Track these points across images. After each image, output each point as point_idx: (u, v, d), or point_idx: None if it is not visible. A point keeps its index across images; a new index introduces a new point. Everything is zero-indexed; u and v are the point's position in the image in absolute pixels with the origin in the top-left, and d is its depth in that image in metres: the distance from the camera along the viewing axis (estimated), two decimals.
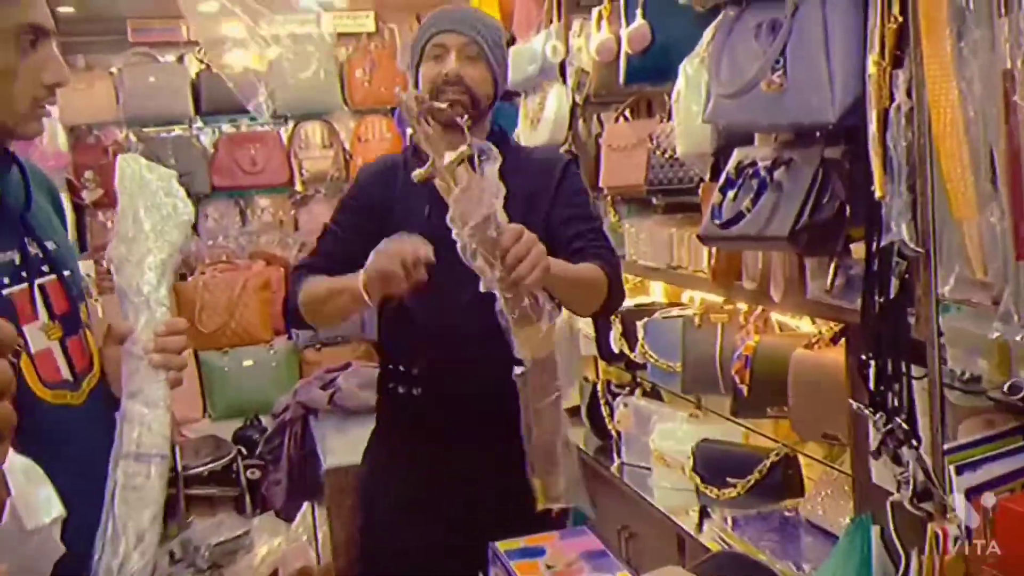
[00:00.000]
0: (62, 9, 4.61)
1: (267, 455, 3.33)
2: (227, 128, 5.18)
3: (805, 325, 2.46)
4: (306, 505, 3.40)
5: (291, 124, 5.13)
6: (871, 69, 1.58)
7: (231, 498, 4.09)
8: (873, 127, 1.55)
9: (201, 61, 5.00)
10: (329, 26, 5.13)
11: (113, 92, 4.80)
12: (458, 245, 1.52)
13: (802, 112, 1.70)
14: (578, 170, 2.09)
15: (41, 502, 0.86)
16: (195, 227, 4.97)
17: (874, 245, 1.64)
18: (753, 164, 1.88)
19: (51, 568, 0.88)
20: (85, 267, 4.42)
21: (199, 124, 5.12)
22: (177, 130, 5.07)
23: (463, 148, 1.55)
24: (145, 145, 4.89)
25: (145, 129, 5.00)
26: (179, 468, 3.65)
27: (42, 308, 1.17)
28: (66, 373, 1.15)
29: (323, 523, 3.13)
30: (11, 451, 0.77)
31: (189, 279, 4.54)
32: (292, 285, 1.98)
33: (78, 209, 4.78)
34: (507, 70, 2.04)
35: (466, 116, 1.76)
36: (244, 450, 4.14)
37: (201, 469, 3.86)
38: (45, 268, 1.21)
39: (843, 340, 2.00)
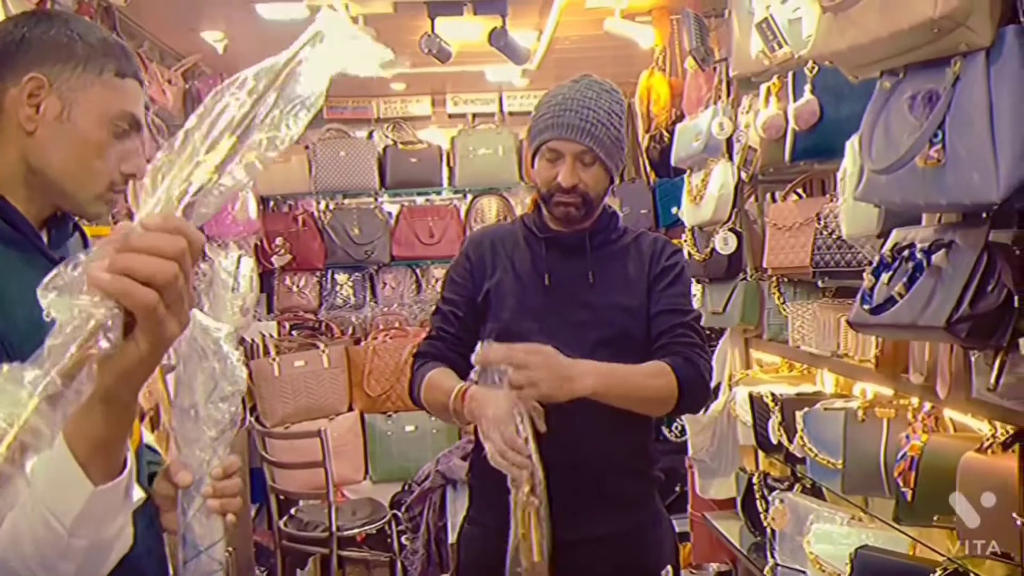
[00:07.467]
0: None
1: (408, 523, 3.32)
2: (419, 200, 5.42)
3: (984, 425, 2.22)
4: None
5: (469, 198, 5.27)
6: None
7: (386, 563, 4.11)
8: None
9: (388, 137, 5.25)
10: (509, 105, 5.29)
11: (307, 165, 5.10)
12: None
13: (962, 190, 1.53)
14: (680, 256, 2.04)
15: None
16: (373, 293, 5.16)
17: None
18: (910, 246, 1.72)
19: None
20: (267, 328, 4.66)
21: (384, 197, 5.35)
22: (366, 201, 5.33)
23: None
24: (333, 214, 5.16)
25: (344, 200, 5.30)
26: (334, 528, 3.71)
27: None
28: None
29: None
30: None
31: (361, 343, 4.69)
32: (414, 373, 2.00)
33: (264, 274, 5.07)
34: (623, 154, 1.99)
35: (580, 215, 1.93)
36: (400, 515, 4.16)
37: (355, 531, 3.90)
38: None
39: (1016, 446, 1.78)
